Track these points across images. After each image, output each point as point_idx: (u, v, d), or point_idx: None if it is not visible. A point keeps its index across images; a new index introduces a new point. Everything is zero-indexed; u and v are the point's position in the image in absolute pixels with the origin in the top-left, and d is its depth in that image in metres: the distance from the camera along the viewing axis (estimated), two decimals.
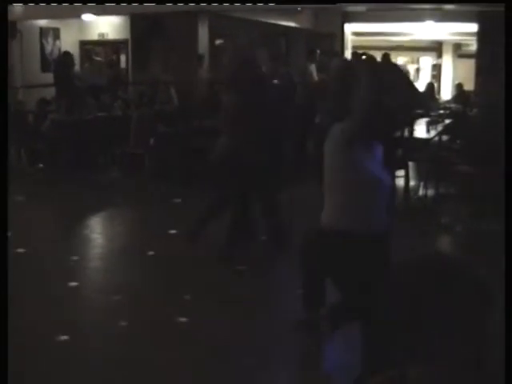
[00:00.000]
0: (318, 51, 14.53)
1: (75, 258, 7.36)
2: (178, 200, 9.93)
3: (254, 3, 12.41)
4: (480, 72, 14.92)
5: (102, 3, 13.43)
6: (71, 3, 13.49)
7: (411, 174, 10.52)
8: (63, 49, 16.90)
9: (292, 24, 17.95)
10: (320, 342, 4.86)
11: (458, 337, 1.62)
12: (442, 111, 13.99)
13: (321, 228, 4.32)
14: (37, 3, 13.87)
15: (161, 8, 13.11)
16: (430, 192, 10.14)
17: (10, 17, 14.84)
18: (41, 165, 12.33)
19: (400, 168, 9.96)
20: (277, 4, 12.61)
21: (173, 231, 8.20)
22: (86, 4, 13.50)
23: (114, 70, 15.94)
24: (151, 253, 7.43)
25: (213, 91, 13.33)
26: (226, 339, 5.23)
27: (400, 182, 10.04)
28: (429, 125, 11.14)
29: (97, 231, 9.02)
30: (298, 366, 5.12)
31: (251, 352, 5.01)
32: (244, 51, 12.08)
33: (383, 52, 13.65)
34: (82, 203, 9.86)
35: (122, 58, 18.06)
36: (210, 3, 12.55)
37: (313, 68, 13.83)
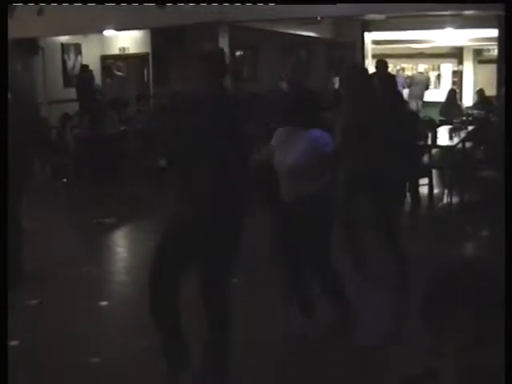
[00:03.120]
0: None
1: (100, 271, 7.39)
2: None
3: (254, 3, 12.39)
4: (501, 77, 14.84)
5: (102, 3, 13.46)
6: (70, 3, 13.56)
7: (435, 181, 10.48)
8: (84, 64, 17.05)
9: (312, 34, 17.97)
10: None
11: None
12: (464, 118, 13.93)
13: None
14: (37, 3, 13.96)
15: (181, 20, 13.18)
16: (455, 199, 10.10)
17: (32, 33, 15.10)
18: (65, 179, 12.40)
19: (424, 176, 9.93)
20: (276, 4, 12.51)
21: None
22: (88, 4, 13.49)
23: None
24: None
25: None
26: None
27: (424, 190, 10.01)
28: (452, 132, 11.09)
29: (120, 244, 9.06)
30: None
31: None
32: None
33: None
34: (105, 216, 9.89)
35: (143, 71, 18.18)
36: (209, 3, 12.53)
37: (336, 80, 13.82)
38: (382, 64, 12.15)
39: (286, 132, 5.21)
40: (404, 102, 11.99)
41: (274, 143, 5.29)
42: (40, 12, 13.53)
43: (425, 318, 1.75)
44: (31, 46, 16.06)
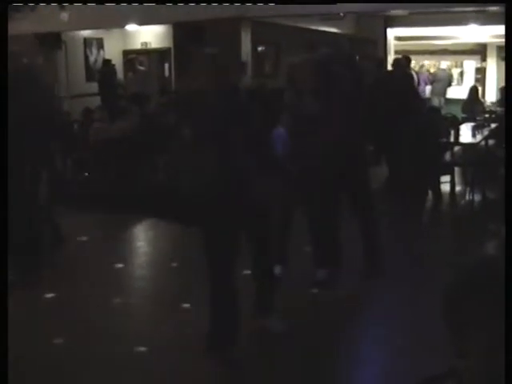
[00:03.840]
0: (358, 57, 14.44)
1: (120, 265, 7.41)
2: None
3: (254, 3, 12.41)
4: None
5: (102, 3, 13.54)
6: (71, 3, 13.71)
7: (457, 179, 10.42)
8: (107, 58, 17.12)
9: (334, 30, 17.91)
10: None
11: None
12: (487, 115, 13.82)
13: None
14: (37, 3, 14.06)
15: (203, 15, 13.18)
16: (477, 197, 10.02)
17: (55, 27, 15.16)
18: (86, 173, 12.44)
19: (446, 173, 9.88)
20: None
21: None
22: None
23: None
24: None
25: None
26: None
27: (446, 187, 9.95)
28: (474, 129, 11.01)
29: (141, 239, 9.07)
30: None
31: None
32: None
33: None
34: (126, 211, 9.90)
35: (165, 66, 18.21)
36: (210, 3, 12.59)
37: None
38: (397, 62, 12.12)
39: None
40: (420, 100, 11.92)
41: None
42: (63, 7, 13.61)
43: (447, 317, 1.73)
44: (54, 41, 16.14)
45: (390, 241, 7.85)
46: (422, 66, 22.30)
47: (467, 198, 10.13)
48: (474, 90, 16.25)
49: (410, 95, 10.49)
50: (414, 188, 9.25)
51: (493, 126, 12.03)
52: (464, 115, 14.42)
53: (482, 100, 17.36)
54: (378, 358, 5.20)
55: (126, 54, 18.46)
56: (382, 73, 13.33)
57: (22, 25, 14.86)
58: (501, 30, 19.11)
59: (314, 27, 16.93)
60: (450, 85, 21.55)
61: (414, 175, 9.07)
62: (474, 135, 10.80)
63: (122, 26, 15.88)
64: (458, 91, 20.86)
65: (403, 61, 13.43)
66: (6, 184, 5.10)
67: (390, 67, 13.98)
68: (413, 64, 17.90)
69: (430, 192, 9.56)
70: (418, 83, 17.08)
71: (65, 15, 14.37)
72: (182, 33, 16.14)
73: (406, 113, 9.75)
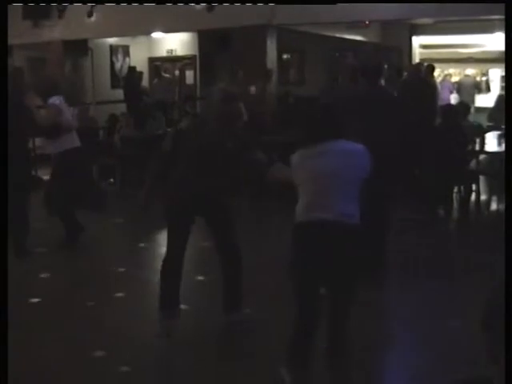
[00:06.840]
0: (386, 66, 14.38)
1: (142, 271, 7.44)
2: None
3: (254, 3, 12.44)
4: None
5: (102, 3, 13.64)
6: (70, 3, 13.85)
7: (482, 188, 10.35)
8: (132, 65, 17.22)
9: (359, 38, 17.90)
10: None
11: None
12: None
13: None
14: (37, 3, 14.19)
15: (228, 23, 13.21)
16: (501, 207, 9.96)
17: (82, 35, 15.26)
18: (111, 180, 12.51)
19: (471, 182, 9.82)
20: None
21: None
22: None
23: None
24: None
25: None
26: None
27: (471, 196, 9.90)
28: (500, 138, 10.93)
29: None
30: None
31: None
32: None
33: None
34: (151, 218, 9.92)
35: (190, 73, 18.27)
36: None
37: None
38: (414, 69, 12.03)
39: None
40: (439, 106, 11.85)
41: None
42: (90, 14, 13.71)
43: (487, 327, 1.74)
44: (81, 48, 16.25)
45: (412, 249, 7.84)
46: (446, 75, 22.19)
47: (492, 207, 10.07)
48: (501, 99, 16.09)
49: (427, 102, 10.46)
50: (438, 196, 9.23)
51: None
52: (490, 124, 14.30)
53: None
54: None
55: (152, 61, 18.56)
56: (399, 80, 13.30)
57: (50, 32, 15.02)
58: None
59: (339, 35, 16.93)
60: (478, 92, 21.42)
61: (437, 184, 9.04)
62: (499, 144, 10.72)
63: (148, 33, 15.95)
64: (486, 100, 20.72)
65: (420, 67, 13.38)
66: (6, 184, 5.15)
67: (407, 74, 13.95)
68: (438, 72, 17.84)
69: (454, 201, 9.54)
70: (440, 90, 16.98)
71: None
72: (207, 40, 16.20)
73: (424, 120, 9.73)
